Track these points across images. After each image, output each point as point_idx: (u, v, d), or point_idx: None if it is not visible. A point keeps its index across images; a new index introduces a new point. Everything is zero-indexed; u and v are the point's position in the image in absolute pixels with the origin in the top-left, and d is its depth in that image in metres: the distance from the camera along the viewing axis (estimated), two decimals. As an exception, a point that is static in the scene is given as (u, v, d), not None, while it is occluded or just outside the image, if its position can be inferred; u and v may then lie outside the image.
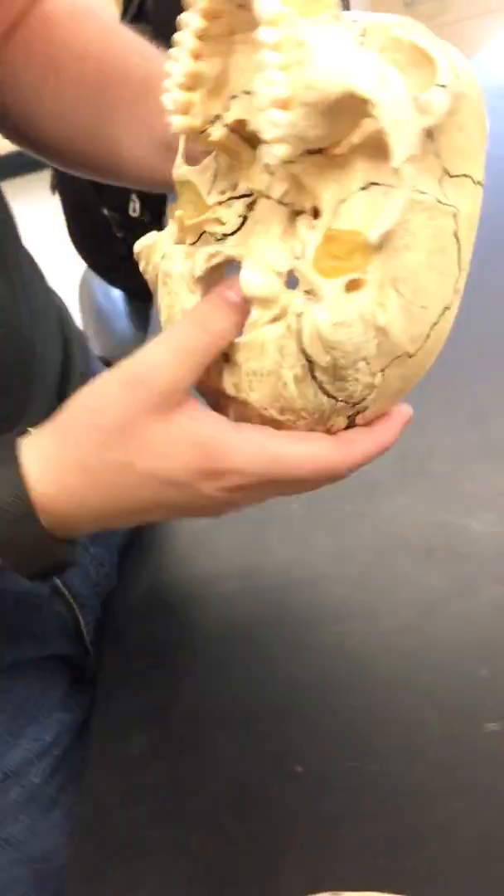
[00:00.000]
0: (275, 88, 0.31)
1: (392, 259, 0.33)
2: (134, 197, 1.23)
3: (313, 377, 0.34)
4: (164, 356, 0.36)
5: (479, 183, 0.34)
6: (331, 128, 0.32)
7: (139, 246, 0.40)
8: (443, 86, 0.31)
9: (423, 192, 0.32)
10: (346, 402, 0.35)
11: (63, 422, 0.38)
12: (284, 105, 0.31)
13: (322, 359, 0.34)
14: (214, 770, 0.52)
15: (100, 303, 1.47)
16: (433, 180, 0.33)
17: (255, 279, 0.35)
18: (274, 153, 0.32)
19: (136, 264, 0.41)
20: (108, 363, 0.46)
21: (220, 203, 0.37)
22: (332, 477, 0.37)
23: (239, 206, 0.37)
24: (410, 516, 0.60)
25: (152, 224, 1.23)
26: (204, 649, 0.58)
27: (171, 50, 0.35)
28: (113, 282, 1.41)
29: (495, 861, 0.44)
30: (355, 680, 0.54)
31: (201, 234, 0.38)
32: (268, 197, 0.36)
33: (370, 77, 0.30)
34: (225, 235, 0.37)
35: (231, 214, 0.37)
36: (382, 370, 0.35)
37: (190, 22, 0.34)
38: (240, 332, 0.36)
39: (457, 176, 0.33)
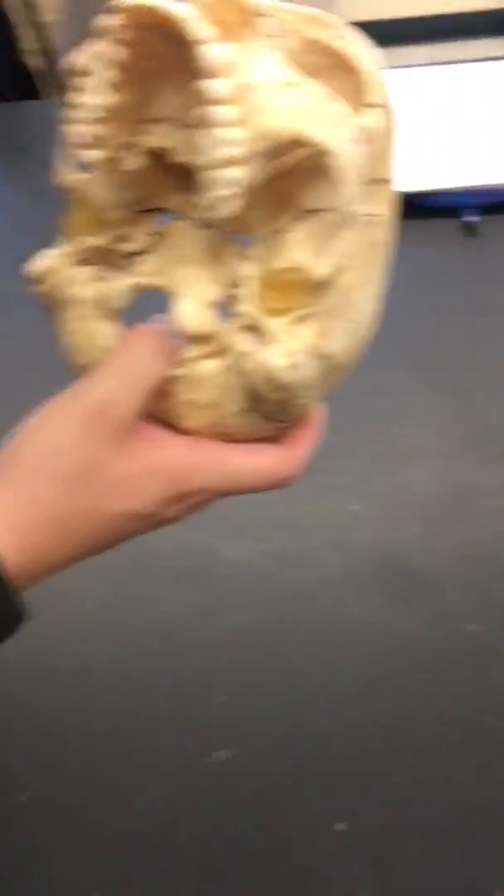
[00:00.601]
0: (231, 149, 0.29)
1: (330, 293, 0.32)
2: None
3: (257, 408, 0.34)
4: (117, 387, 0.34)
5: (392, 181, 0.34)
6: (272, 167, 0.31)
7: (36, 268, 0.36)
8: (380, 105, 0.31)
9: (356, 213, 0.32)
10: (285, 422, 0.36)
11: (14, 472, 0.34)
12: (229, 163, 0.30)
13: (271, 396, 0.33)
14: None
15: None
16: (362, 195, 0.32)
17: (191, 317, 0.34)
18: (222, 211, 0.30)
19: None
20: None
21: (123, 220, 0.35)
22: (284, 483, 0.37)
23: (148, 223, 0.35)
24: (162, 538, 0.60)
25: None
26: None
27: (78, 80, 0.32)
28: None
29: (215, 888, 0.46)
30: (89, 705, 0.53)
31: (106, 254, 0.36)
32: (187, 217, 0.34)
33: (318, 120, 0.30)
34: (130, 255, 0.35)
35: (139, 233, 0.35)
36: (319, 386, 0.35)
37: (108, 52, 0.31)
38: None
39: (379, 180, 0.33)
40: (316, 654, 0.54)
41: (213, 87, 0.29)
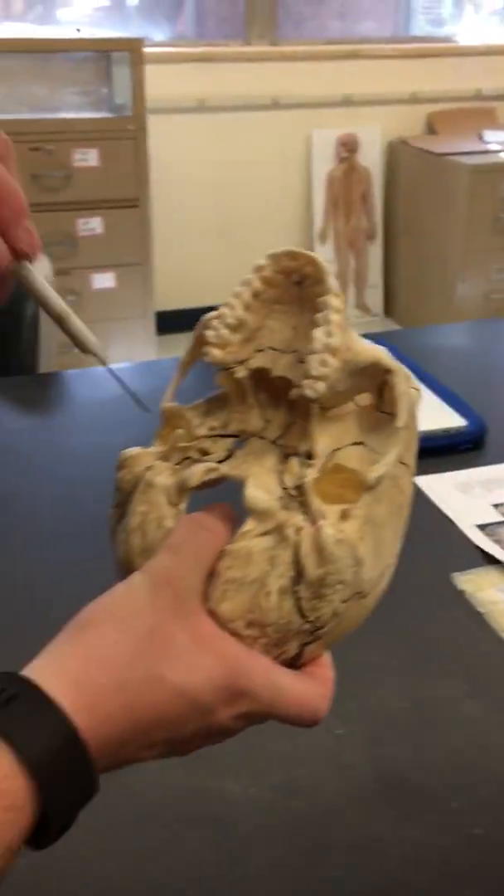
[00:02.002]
0: (332, 339, 0.40)
1: (372, 504, 0.40)
2: None
3: (294, 591, 0.38)
4: (181, 562, 0.37)
5: (413, 474, 0.44)
6: (348, 389, 0.42)
7: (126, 454, 0.44)
8: (416, 388, 0.44)
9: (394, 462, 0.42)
10: (311, 625, 0.39)
11: (85, 635, 0.35)
12: (333, 353, 0.40)
13: (313, 571, 0.38)
14: None
15: None
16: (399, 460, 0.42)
17: (260, 494, 0.40)
18: (315, 387, 0.40)
19: None
20: None
21: (208, 436, 0.44)
22: (317, 718, 0.38)
23: (227, 442, 0.44)
24: (163, 786, 0.59)
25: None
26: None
27: (230, 298, 0.43)
28: None
29: None
30: None
31: (184, 459, 0.44)
32: (261, 437, 0.43)
33: (391, 359, 0.43)
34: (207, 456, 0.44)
35: (219, 447, 0.44)
36: (346, 601, 0.39)
37: (251, 281, 0.43)
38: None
39: (405, 464, 0.43)
40: (343, 883, 0.54)
41: (331, 300, 0.41)
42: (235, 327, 0.43)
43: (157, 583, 0.36)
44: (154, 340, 2.86)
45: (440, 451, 0.98)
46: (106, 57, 2.75)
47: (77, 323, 0.43)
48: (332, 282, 0.41)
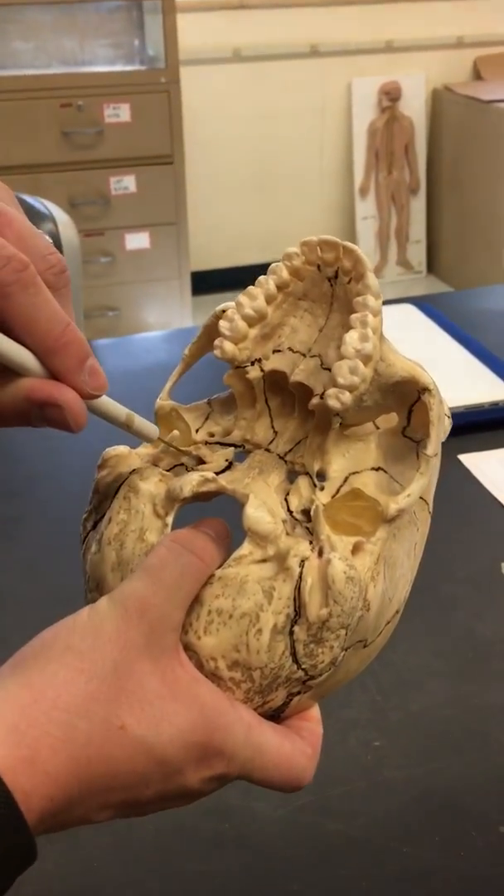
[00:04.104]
0: (367, 345, 0.35)
1: (388, 540, 0.35)
2: None
3: (291, 631, 0.33)
4: (159, 589, 0.32)
5: (431, 513, 0.39)
6: (374, 406, 0.36)
7: (109, 452, 0.38)
8: (448, 416, 0.39)
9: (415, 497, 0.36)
10: (304, 673, 0.34)
11: (32, 672, 0.30)
12: (366, 361, 0.35)
13: (316, 611, 0.33)
14: None
15: None
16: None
17: (263, 515, 0.35)
18: (342, 398, 0.35)
19: None
20: None
21: (206, 443, 0.39)
22: (299, 783, 0.33)
23: (228, 451, 0.39)
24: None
25: None
26: None
27: (251, 287, 0.38)
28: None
29: None
30: None
31: (175, 465, 0.39)
32: (267, 450, 0.38)
33: (428, 376, 0.37)
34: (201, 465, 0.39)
35: (218, 457, 0.38)
36: (345, 649, 0.34)
37: (277, 270, 0.38)
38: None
39: (424, 500, 0.38)
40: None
41: (370, 299, 0.36)
42: (254, 321, 0.37)
43: (128, 612, 0.31)
44: (189, 302, 2.80)
45: (488, 426, 0.91)
46: (137, 6, 2.66)
47: (140, 422, 0.37)
48: (373, 280, 0.36)
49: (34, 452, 0.93)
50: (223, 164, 3.06)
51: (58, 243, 1.28)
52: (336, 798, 0.55)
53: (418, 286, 3.27)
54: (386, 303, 1.11)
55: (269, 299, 0.38)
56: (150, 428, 0.37)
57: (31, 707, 0.29)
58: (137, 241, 2.69)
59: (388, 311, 0.94)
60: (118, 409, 0.36)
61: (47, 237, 0.33)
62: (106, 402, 0.35)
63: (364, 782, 0.56)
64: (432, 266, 3.37)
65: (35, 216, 1.30)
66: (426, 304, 1.16)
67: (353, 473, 0.37)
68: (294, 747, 0.33)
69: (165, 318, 2.75)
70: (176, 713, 0.30)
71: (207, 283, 2.99)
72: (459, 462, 0.86)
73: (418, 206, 3.28)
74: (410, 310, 1.14)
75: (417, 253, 3.32)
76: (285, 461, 0.38)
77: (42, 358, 0.31)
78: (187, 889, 0.51)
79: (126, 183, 2.62)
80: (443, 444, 0.39)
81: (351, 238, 3.24)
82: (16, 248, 0.30)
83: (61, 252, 1.36)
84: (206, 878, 0.51)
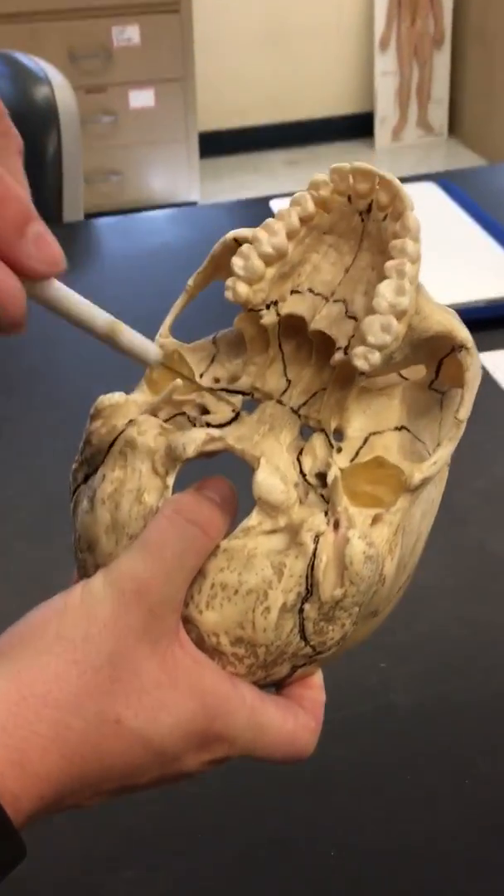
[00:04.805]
0: (402, 299, 0.31)
1: (409, 508, 0.32)
2: None
3: (301, 609, 0.31)
4: (160, 568, 0.29)
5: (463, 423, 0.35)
6: (404, 360, 0.33)
7: (104, 402, 0.34)
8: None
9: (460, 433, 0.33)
10: (312, 650, 0.32)
11: (19, 663, 0.28)
12: (399, 316, 0.31)
13: (330, 591, 0.30)
14: None
15: None
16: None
17: (276, 483, 0.32)
18: (370, 358, 0.31)
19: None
20: None
21: (211, 390, 0.35)
22: (302, 756, 0.32)
23: (236, 400, 0.35)
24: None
25: None
26: None
27: (270, 220, 0.33)
28: None
29: None
30: None
31: (176, 415, 0.35)
32: (279, 401, 0.34)
33: (464, 330, 0.33)
34: (209, 425, 0.34)
35: (223, 407, 0.35)
36: (357, 622, 0.32)
37: (302, 201, 0.33)
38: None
39: (460, 420, 0.33)
40: (377, 846, 0.49)
41: (409, 244, 0.31)
42: (272, 259, 0.33)
43: (125, 595, 0.28)
44: (197, 165, 2.67)
45: (511, 322, 0.86)
46: None
47: (129, 336, 0.31)
48: (414, 220, 0.31)
49: (32, 345, 0.89)
50: (233, 14, 2.86)
51: (53, 107, 1.19)
52: (339, 722, 0.54)
53: (438, 151, 3.10)
54: (403, 180, 1.03)
55: (291, 235, 0.33)
56: (143, 345, 0.32)
57: (20, 704, 0.27)
58: (142, 98, 2.54)
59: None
60: (97, 315, 0.29)
61: None
62: (69, 296, 0.28)
63: (369, 706, 0.55)
64: (454, 128, 3.19)
65: (29, 77, 1.20)
66: (448, 182, 1.08)
67: (374, 434, 0.33)
68: (297, 723, 0.32)
69: (171, 185, 2.63)
70: (175, 702, 0.29)
71: (216, 144, 2.84)
72: (482, 366, 0.81)
73: (442, 60, 3.07)
74: (431, 189, 1.07)
75: (439, 113, 3.14)
76: (299, 415, 0.34)
77: None
78: (187, 812, 0.50)
79: (129, 34, 2.45)
80: None
81: (369, 96, 3.06)
82: None
83: (56, 117, 1.26)
84: (206, 799, 0.51)
